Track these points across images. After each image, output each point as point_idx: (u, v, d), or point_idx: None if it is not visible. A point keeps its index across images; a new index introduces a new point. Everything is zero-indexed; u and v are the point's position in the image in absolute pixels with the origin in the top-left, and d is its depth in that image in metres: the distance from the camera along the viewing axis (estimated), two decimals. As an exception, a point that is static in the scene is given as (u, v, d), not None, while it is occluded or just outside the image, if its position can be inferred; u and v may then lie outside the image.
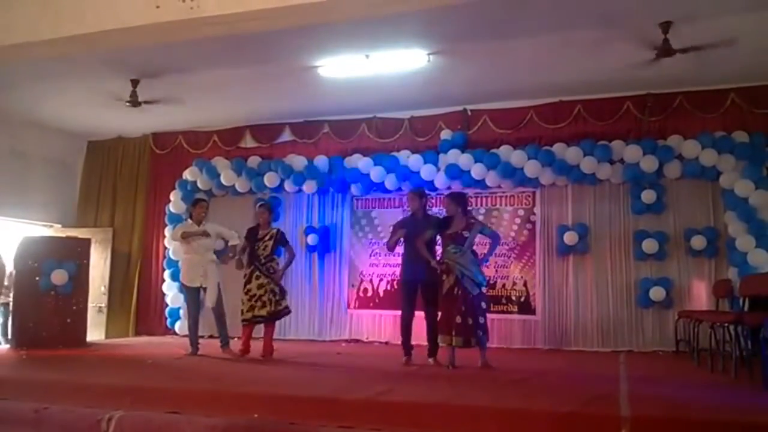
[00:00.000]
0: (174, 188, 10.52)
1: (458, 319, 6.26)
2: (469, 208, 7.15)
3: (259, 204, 8.01)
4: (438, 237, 6.75)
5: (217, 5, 5.39)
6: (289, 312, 7.51)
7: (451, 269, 6.39)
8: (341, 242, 10.04)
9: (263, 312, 7.14)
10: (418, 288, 6.74)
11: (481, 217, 9.27)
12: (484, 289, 6.57)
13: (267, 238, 7.28)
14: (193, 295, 7.62)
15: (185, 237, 7.54)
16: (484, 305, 6.48)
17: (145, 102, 8.82)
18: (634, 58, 7.34)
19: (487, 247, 6.86)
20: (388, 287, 9.66)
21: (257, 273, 7.18)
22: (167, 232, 10.39)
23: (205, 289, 7.53)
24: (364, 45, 7.38)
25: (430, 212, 7.48)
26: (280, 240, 7.40)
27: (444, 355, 6.52)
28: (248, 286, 7.21)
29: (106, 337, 10.39)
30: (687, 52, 6.98)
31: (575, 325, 8.76)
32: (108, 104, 9.28)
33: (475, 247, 6.64)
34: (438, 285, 6.54)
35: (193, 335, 7.59)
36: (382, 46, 7.39)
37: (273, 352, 7.26)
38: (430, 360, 6.67)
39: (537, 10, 6.36)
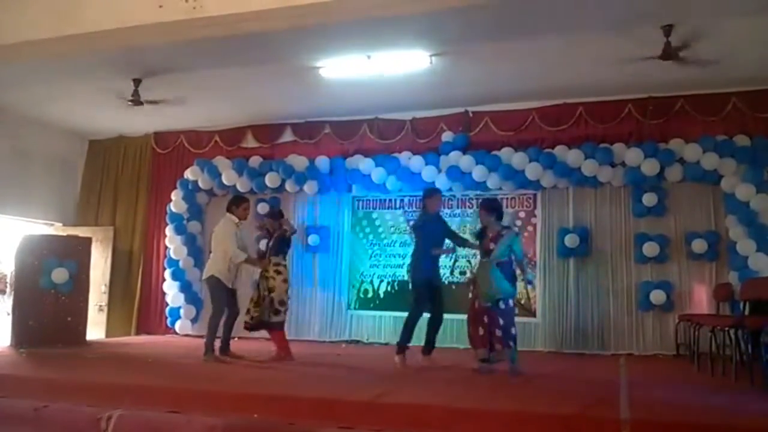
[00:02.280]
0: (175, 188, 10.52)
1: (481, 332, 6.20)
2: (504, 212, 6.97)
3: (265, 215, 7.86)
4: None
5: (219, 5, 5.39)
6: (272, 326, 7.14)
7: (475, 281, 6.35)
8: (342, 243, 10.04)
9: (247, 318, 7.10)
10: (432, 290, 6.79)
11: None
12: (510, 303, 6.23)
13: (270, 240, 7.29)
14: (227, 294, 7.23)
15: (247, 262, 7.29)
16: (501, 321, 6.11)
17: (147, 101, 8.82)
18: (636, 61, 7.33)
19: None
20: (389, 288, 9.66)
21: (264, 274, 7.17)
22: (168, 231, 10.40)
23: (234, 291, 7.37)
24: (365, 46, 7.39)
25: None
26: (276, 239, 7.23)
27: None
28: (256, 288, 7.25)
29: (107, 336, 10.38)
30: (689, 55, 6.98)
31: (575, 328, 8.74)
32: (110, 103, 9.28)
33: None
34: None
35: (213, 338, 7.14)
36: (383, 47, 7.39)
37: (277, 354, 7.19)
38: (424, 359, 6.68)
39: (539, 12, 6.36)
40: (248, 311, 7.13)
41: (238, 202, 7.42)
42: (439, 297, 6.81)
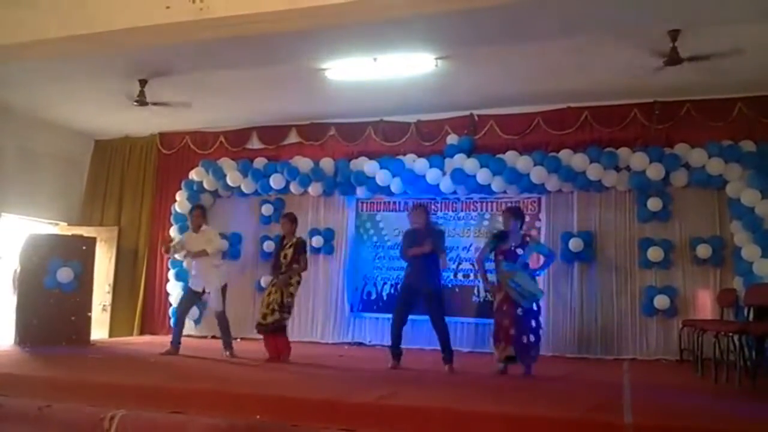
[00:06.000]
0: (180, 188, 10.55)
1: (512, 331, 6.26)
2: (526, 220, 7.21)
3: (281, 215, 7.98)
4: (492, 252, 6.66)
5: (225, 7, 5.41)
6: (280, 327, 7.24)
7: (501, 287, 6.39)
8: (345, 245, 10.04)
9: (265, 321, 7.18)
10: (417, 296, 6.75)
11: (486, 223, 9.32)
12: (535, 306, 6.37)
13: (288, 246, 7.31)
14: (186, 296, 7.86)
15: (166, 251, 7.93)
16: (534, 323, 6.32)
17: (153, 102, 8.84)
18: (642, 66, 7.33)
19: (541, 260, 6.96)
20: (392, 291, 9.64)
21: (275, 281, 7.23)
22: (173, 231, 10.42)
23: (209, 294, 7.62)
24: (371, 48, 7.38)
25: (433, 224, 7.42)
26: (299, 249, 7.32)
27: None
28: (264, 293, 7.32)
29: (110, 335, 10.41)
30: (695, 60, 6.98)
31: (579, 332, 8.73)
32: (116, 104, 9.30)
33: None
34: (442, 295, 6.83)
35: (175, 334, 7.66)
36: (389, 50, 7.39)
37: (280, 356, 7.22)
38: (446, 368, 6.62)
39: (545, 16, 6.34)
40: (271, 313, 7.17)
41: (189, 212, 8.13)
42: (435, 306, 6.79)
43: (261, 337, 7.42)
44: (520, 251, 6.43)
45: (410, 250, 6.77)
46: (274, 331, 7.20)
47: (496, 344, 6.40)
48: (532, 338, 6.29)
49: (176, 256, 8.11)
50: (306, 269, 7.46)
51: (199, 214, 7.86)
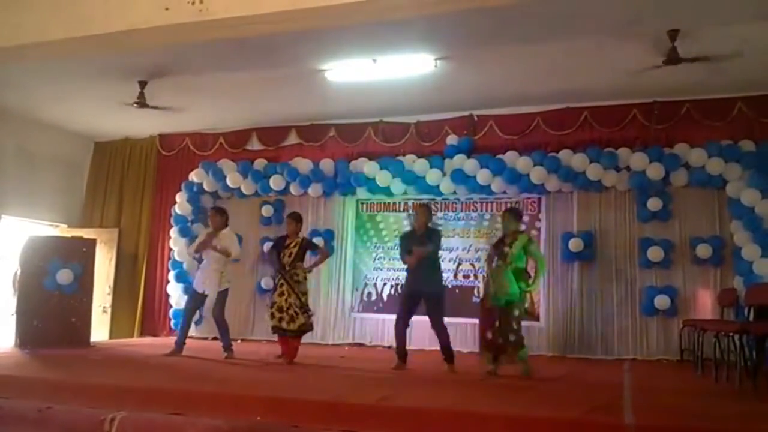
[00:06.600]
0: (180, 190, 10.55)
1: (489, 335, 6.29)
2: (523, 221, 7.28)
3: (286, 215, 7.94)
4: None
5: (225, 8, 5.41)
6: (311, 329, 7.32)
7: (487, 282, 6.47)
8: (346, 246, 10.04)
9: (292, 327, 7.04)
10: (418, 299, 6.78)
11: (486, 223, 9.31)
12: (519, 305, 6.28)
13: (292, 245, 7.29)
14: (191, 298, 7.78)
15: (197, 250, 7.75)
16: (513, 323, 6.20)
17: (153, 104, 8.83)
18: (642, 66, 7.32)
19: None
20: (392, 291, 9.65)
21: (281, 281, 7.17)
22: (173, 233, 10.43)
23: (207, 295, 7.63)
24: (371, 49, 7.36)
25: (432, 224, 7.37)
26: (306, 246, 7.42)
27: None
28: (274, 295, 7.25)
29: (110, 337, 10.40)
30: (694, 60, 6.97)
31: (579, 333, 8.73)
32: (115, 105, 9.29)
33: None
34: (443, 298, 6.83)
35: (180, 335, 7.68)
36: (389, 51, 7.38)
37: (294, 357, 7.18)
38: (448, 367, 6.63)
39: (544, 16, 6.33)
40: (293, 318, 7.06)
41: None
42: (434, 307, 6.82)
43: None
44: (507, 249, 6.38)
45: (409, 259, 6.81)
46: (301, 334, 7.18)
47: (481, 349, 6.49)
48: (511, 337, 6.19)
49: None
50: (327, 254, 8.01)
51: (213, 214, 7.84)
